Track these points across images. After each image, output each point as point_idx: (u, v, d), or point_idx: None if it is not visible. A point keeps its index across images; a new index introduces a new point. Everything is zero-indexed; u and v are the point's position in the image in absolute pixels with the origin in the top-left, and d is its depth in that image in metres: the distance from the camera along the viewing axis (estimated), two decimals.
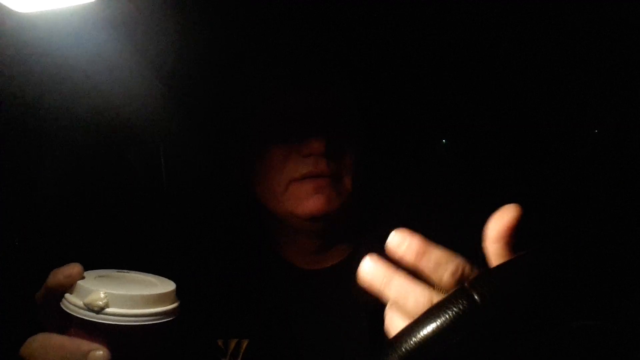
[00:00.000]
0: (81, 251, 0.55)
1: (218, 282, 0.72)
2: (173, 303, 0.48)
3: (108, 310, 0.44)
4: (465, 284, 0.31)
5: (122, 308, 0.44)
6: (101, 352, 0.43)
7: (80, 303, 0.44)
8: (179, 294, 0.49)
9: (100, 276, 0.49)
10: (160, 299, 0.46)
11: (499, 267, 0.33)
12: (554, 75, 1.04)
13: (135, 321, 0.44)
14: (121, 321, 0.44)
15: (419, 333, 0.29)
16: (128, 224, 0.92)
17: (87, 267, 0.49)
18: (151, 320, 0.45)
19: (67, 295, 0.46)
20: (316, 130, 0.65)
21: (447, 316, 0.29)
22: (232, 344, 0.69)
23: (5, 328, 0.67)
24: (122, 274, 0.51)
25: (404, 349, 0.29)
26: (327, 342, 0.70)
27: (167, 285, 0.49)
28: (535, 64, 1.00)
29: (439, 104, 1.12)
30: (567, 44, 0.93)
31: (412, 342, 0.29)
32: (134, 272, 0.52)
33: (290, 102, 0.68)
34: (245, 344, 0.69)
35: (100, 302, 0.44)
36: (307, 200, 0.66)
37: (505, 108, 1.15)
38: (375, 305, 0.69)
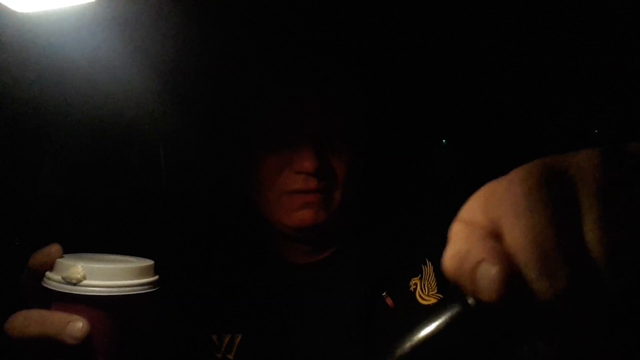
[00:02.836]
0: (81, 250, 0.55)
1: (211, 277, 0.73)
2: (150, 277, 0.48)
3: (85, 282, 0.44)
4: (459, 288, 0.31)
5: (99, 280, 0.45)
6: (80, 324, 0.44)
7: (59, 277, 0.45)
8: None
9: (80, 256, 0.50)
10: (137, 272, 0.47)
11: None
12: (554, 75, 1.04)
13: (112, 292, 0.45)
14: (98, 292, 0.45)
15: (413, 337, 0.29)
16: (128, 222, 0.93)
17: None
18: (128, 292, 0.46)
19: (47, 272, 0.47)
20: (310, 146, 0.67)
21: (441, 320, 0.29)
22: (226, 339, 0.69)
23: None
24: (103, 255, 0.52)
25: (398, 354, 0.29)
26: (320, 335, 0.71)
27: (144, 262, 0.50)
28: (535, 65, 1.00)
29: (440, 104, 1.11)
30: (567, 44, 0.93)
31: (407, 346, 0.29)
32: (115, 255, 0.53)
33: (288, 110, 0.69)
34: (238, 338, 0.69)
35: (78, 275, 0.44)
36: (295, 213, 0.69)
37: (505, 108, 1.15)
38: (366, 296, 0.70)
